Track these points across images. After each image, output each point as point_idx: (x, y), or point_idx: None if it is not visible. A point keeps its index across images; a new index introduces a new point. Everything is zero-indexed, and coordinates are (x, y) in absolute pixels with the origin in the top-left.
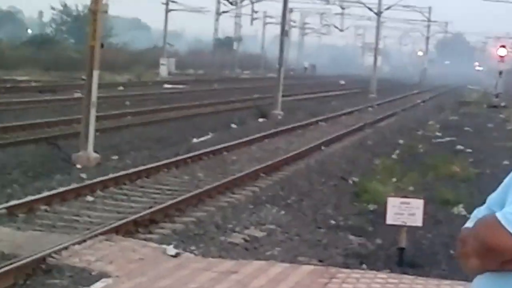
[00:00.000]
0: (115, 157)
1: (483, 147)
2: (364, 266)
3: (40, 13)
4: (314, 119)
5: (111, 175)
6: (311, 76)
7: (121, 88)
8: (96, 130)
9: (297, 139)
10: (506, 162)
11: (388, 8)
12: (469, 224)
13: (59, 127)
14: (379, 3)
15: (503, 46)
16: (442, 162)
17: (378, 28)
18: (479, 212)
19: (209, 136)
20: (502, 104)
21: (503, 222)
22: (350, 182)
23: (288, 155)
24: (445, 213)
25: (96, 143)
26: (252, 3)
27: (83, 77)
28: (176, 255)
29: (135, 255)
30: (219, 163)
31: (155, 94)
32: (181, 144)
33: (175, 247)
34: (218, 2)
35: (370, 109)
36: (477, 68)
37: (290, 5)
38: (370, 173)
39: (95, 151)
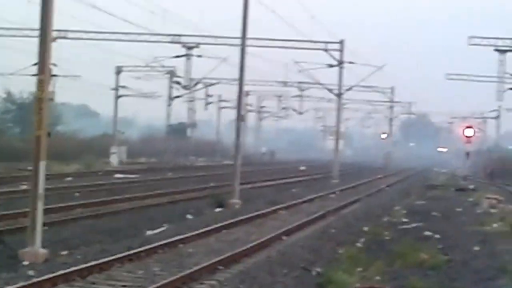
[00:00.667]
0: (65, 252)
1: (452, 232)
2: None
3: None
4: (274, 208)
5: (60, 272)
6: (270, 162)
7: (69, 178)
8: (44, 224)
9: (257, 229)
10: (476, 248)
11: (349, 89)
12: None
13: (5, 222)
14: (340, 84)
15: (470, 127)
16: (409, 250)
17: (339, 110)
18: None
19: (164, 228)
20: (471, 186)
21: None
22: (314, 273)
23: (248, 246)
24: None
25: (44, 237)
26: (206, 87)
27: (29, 168)
28: None
29: None
30: (175, 257)
31: (106, 184)
32: (135, 237)
33: None
34: (170, 87)
35: (332, 195)
36: (440, 149)
37: (246, 88)
38: (334, 262)
39: (43, 247)
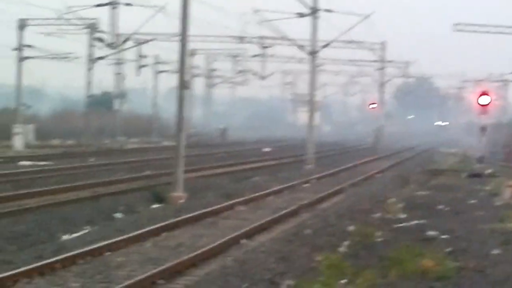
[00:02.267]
0: None
1: (463, 232)
2: None
3: None
4: (229, 202)
5: None
6: (224, 143)
7: None
8: None
9: (207, 231)
10: (495, 252)
11: (325, 46)
12: None
13: None
14: (313, 40)
15: (485, 93)
16: (408, 255)
17: (313, 73)
18: None
19: (85, 231)
20: (487, 171)
21: None
22: (284, 287)
23: (195, 254)
24: None
25: None
26: (138, 45)
27: None
28: None
29: None
30: (100, 268)
31: (7, 174)
32: (46, 243)
33: None
34: (91, 46)
35: (306, 185)
36: (439, 123)
37: (191, 45)
38: (310, 273)
39: None
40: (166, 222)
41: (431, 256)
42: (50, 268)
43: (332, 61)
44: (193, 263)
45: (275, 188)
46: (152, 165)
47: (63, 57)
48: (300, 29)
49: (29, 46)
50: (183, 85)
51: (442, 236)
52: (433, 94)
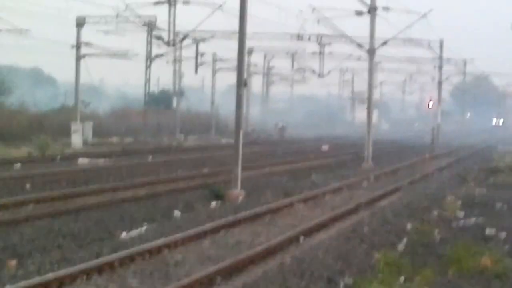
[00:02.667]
0: (13, 262)
1: None
2: None
3: None
4: (288, 200)
5: None
6: (282, 141)
7: (18, 165)
8: None
9: (266, 229)
10: None
11: (384, 44)
12: None
13: None
14: (372, 37)
15: None
16: (466, 253)
17: (371, 71)
18: None
19: (143, 229)
20: None
21: None
22: (342, 285)
23: (254, 252)
24: None
25: None
26: (196, 42)
27: None
28: None
29: None
30: (159, 266)
31: (66, 173)
32: (105, 241)
33: None
34: (149, 44)
35: (364, 183)
36: (495, 122)
37: (249, 43)
38: (368, 271)
39: None
40: (225, 220)
41: (490, 254)
42: (108, 266)
43: (390, 59)
44: (252, 261)
45: (333, 186)
46: (211, 163)
47: (121, 55)
48: (357, 27)
49: (87, 44)
50: (242, 83)
51: (500, 234)
52: (491, 93)
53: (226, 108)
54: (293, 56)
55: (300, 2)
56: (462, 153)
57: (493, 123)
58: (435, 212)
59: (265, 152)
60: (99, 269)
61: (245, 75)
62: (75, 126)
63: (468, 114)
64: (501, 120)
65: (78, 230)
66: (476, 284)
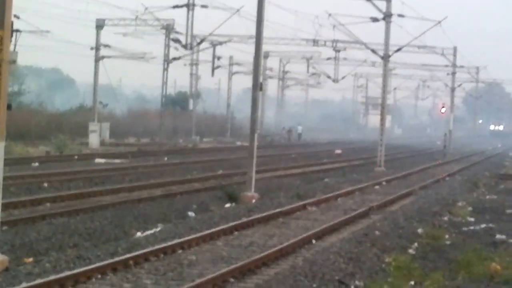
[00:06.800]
0: (30, 260)
1: None
2: None
3: None
4: (300, 203)
5: (23, 285)
6: (297, 144)
7: (36, 164)
8: (3, 223)
9: (279, 231)
10: None
11: (398, 50)
12: None
13: None
14: (386, 44)
15: None
16: (477, 258)
17: (385, 77)
18: None
19: (158, 229)
20: None
21: None
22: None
23: (267, 253)
24: None
25: (3, 241)
26: (213, 46)
27: None
28: None
29: None
30: (173, 265)
31: (83, 172)
32: (120, 240)
33: None
34: (167, 47)
35: (377, 187)
36: (493, 127)
37: (265, 47)
38: (379, 274)
39: (1, 252)
40: (238, 221)
41: (500, 259)
42: (123, 265)
43: (404, 65)
44: (265, 262)
45: (346, 190)
46: (225, 165)
47: (140, 57)
48: (372, 33)
49: (106, 45)
50: (257, 87)
51: (510, 240)
52: (503, 100)
53: (242, 111)
54: (308, 60)
55: (316, 8)
56: (473, 159)
57: (491, 128)
58: (446, 217)
59: (279, 155)
60: (114, 268)
61: (260, 79)
62: (93, 126)
63: (480, 121)
64: (501, 126)
65: (94, 229)
66: None
